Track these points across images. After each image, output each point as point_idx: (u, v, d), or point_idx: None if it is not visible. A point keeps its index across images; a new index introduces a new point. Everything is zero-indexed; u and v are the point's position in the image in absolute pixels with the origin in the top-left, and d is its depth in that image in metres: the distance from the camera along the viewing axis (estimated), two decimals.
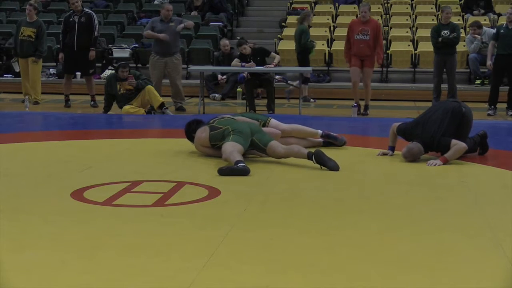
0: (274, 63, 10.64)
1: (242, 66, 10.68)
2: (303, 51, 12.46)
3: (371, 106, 10.96)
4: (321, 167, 6.00)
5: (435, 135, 6.33)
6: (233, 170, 5.74)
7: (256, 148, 6.33)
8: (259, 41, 13.96)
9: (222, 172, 5.73)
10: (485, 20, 14.55)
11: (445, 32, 11.05)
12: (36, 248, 3.82)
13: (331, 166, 5.95)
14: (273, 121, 6.87)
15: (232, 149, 6.00)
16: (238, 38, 12.50)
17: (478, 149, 6.71)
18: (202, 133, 6.45)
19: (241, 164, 5.77)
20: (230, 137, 6.15)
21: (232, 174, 5.70)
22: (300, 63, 12.55)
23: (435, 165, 6.19)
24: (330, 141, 7.03)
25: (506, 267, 3.59)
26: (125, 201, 4.90)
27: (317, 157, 5.97)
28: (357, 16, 11.26)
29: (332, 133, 7.07)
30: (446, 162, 6.23)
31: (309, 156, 6.02)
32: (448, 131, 6.34)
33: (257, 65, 10.60)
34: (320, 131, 7.03)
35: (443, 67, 11.24)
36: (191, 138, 6.64)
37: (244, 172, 5.72)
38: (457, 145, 6.27)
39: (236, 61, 10.84)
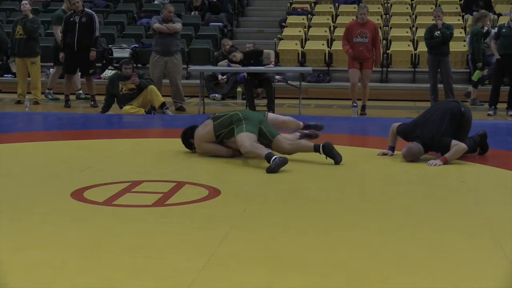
0: (272, 62, 10.66)
1: (228, 65, 10.73)
2: (475, 54, 11.98)
3: (371, 106, 10.97)
4: (326, 157, 6.08)
5: (435, 136, 6.33)
6: (283, 162, 5.78)
7: (263, 137, 6.21)
8: (259, 41, 13.97)
9: (273, 169, 5.73)
10: None
11: (437, 33, 11.03)
12: (36, 248, 3.81)
13: (338, 160, 6.04)
14: (270, 115, 6.74)
15: (250, 141, 5.99)
16: (230, 45, 12.48)
17: (478, 149, 6.71)
18: (205, 128, 6.37)
19: (275, 156, 5.80)
20: (243, 125, 6.09)
21: (282, 167, 5.77)
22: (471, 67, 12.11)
23: (435, 165, 6.18)
24: (308, 132, 6.61)
25: (506, 267, 3.59)
26: (125, 201, 4.89)
27: (326, 149, 6.02)
28: (356, 17, 11.22)
29: (311, 122, 6.82)
30: (446, 162, 6.23)
31: (315, 148, 6.04)
32: (448, 131, 6.34)
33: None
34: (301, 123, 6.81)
35: (438, 67, 11.21)
36: (188, 144, 6.59)
37: (285, 161, 5.80)
38: (457, 146, 6.27)
39: (223, 62, 10.92)
